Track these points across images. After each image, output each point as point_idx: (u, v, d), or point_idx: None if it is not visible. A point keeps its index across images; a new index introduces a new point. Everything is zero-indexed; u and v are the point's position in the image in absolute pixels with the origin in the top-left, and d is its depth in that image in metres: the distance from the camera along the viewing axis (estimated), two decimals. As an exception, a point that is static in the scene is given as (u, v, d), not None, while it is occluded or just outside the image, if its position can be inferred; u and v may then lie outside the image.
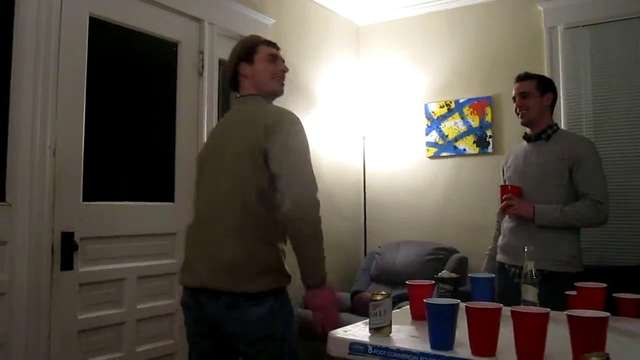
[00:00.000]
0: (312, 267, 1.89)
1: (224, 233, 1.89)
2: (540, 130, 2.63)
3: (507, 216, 2.65)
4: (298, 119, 1.99)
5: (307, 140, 1.96)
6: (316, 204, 1.88)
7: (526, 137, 2.71)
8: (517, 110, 2.67)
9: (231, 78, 2.14)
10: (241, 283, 1.85)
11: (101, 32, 2.81)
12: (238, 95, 2.15)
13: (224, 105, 3.61)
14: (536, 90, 2.63)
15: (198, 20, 3.32)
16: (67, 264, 2.57)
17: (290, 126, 1.94)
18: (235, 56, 2.12)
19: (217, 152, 2.03)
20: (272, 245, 1.92)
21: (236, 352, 1.98)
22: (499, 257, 2.69)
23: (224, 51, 3.52)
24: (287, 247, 1.97)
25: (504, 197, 2.59)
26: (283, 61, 2.14)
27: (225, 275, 1.86)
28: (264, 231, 1.90)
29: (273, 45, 2.13)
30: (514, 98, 2.69)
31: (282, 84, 2.13)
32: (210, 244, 1.91)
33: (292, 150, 1.90)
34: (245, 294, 1.84)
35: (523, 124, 2.69)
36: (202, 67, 3.33)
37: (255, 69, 2.07)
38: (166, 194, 3.16)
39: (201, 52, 3.33)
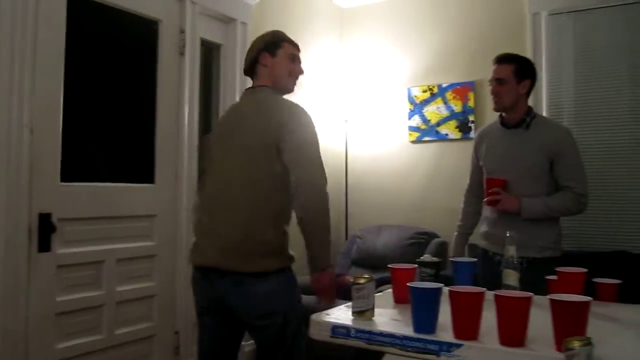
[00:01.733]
0: (317, 253, 2.02)
1: (231, 218, 2.02)
2: (519, 118, 2.58)
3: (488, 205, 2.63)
4: (308, 114, 2.10)
5: (316, 135, 2.08)
6: (324, 196, 2.01)
7: (503, 123, 2.64)
8: (492, 96, 2.62)
9: (249, 66, 2.23)
10: (245, 264, 1.98)
11: (80, 9, 2.73)
12: (252, 85, 2.24)
13: (205, 86, 3.57)
14: (513, 77, 2.55)
15: (180, -2, 3.26)
16: (44, 245, 2.52)
17: (302, 121, 2.06)
18: (259, 46, 2.22)
19: (228, 141, 2.12)
20: (278, 229, 2.04)
21: (242, 329, 2.15)
22: (482, 243, 2.69)
23: (206, 31, 3.49)
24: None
25: (490, 190, 2.54)
26: (300, 63, 2.26)
27: (231, 256, 1.99)
28: (271, 216, 2.03)
29: (296, 46, 2.26)
30: (490, 81, 2.63)
31: (295, 84, 2.26)
32: (218, 227, 2.04)
33: (303, 145, 2.02)
34: (248, 273, 1.98)
35: (495, 110, 2.65)
36: (184, 47, 3.27)
37: (275, 62, 2.19)
38: (146, 175, 3.12)
39: (182, 32, 3.27)
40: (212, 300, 2.08)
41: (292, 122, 2.04)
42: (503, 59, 2.60)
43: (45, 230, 2.53)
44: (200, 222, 2.13)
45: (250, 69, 2.24)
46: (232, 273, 1.99)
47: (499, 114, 2.68)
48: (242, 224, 2.00)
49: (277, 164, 2.01)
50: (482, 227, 2.72)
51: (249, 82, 3.78)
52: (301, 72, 2.26)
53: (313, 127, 2.09)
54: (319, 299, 2.08)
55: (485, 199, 2.59)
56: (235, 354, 2.20)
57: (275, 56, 2.19)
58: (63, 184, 2.63)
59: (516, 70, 2.57)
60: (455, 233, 2.85)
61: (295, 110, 2.08)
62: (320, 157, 2.06)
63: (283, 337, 2.06)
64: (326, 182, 2.03)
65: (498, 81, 2.58)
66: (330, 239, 2.04)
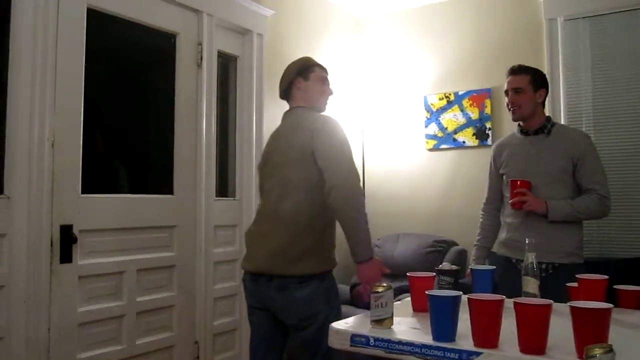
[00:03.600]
0: (358, 244, 2.18)
1: (273, 227, 2.24)
2: (539, 125, 2.60)
3: (510, 211, 2.61)
4: (337, 121, 2.29)
5: (346, 138, 2.26)
6: (356, 190, 2.18)
7: (524, 131, 2.66)
8: (509, 107, 2.63)
9: (285, 89, 2.44)
10: (287, 268, 2.17)
11: (99, 23, 2.78)
12: (289, 107, 2.45)
13: (222, 97, 3.60)
14: (529, 86, 2.58)
15: (196, 11, 3.30)
16: (66, 256, 2.56)
17: (331, 127, 2.24)
18: (292, 72, 2.42)
19: (270, 160, 2.37)
20: (316, 234, 2.22)
21: (287, 327, 2.29)
22: (504, 251, 2.67)
23: (223, 43, 3.53)
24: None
25: (515, 190, 2.52)
26: (329, 84, 2.48)
27: (275, 261, 2.19)
28: (310, 223, 2.20)
29: (325, 70, 2.48)
30: (506, 92, 2.65)
31: (326, 104, 2.48)
32: (263, 236, 2.27)
33: (333, 147, 2.19)
34: (292, 276, 2.17)
35: (515, 120, 2.66)
36: (201, 59, 3.31)
37: (309, 85, 2.41)
38: (165, 186, 3.15)
39: (200, 44, 3.31)
40: (260, 301, 2.28)
41: (325, 128, 2.22)
42: (518, 70, 2.64)
43: (67, 241, 2.56)
44: (250, 234, 2.38)
45: (285, 94, 2.45)
46: (278, 277, 2.19)
47: (517, 123, 2.69)
48: (284, 232, 2.20)
49: (314, 169, 2.18)
50: (502, 234, 2.70)
51: (266, 94, 3.83)
52: (331, 92, 2.47)
53: (343, 131, 2.27)
54: (364, 290, 2.21)
55: (510, 201, 2.56)
56: (282, 349, 2.35)
57: (308, 80, 2.40)
58: (84, 195, 2.67)
59: (532, 80, 2.61)
60: (475, 248, 2.81)
61: (326, 119, 2.28)
62: (351, 156, 2.22)
63: (322, 337, 2.09)
64: (357, 179, 2.20)
65: (515, 91, 2.60)
66: (366, 231, 2.17)
